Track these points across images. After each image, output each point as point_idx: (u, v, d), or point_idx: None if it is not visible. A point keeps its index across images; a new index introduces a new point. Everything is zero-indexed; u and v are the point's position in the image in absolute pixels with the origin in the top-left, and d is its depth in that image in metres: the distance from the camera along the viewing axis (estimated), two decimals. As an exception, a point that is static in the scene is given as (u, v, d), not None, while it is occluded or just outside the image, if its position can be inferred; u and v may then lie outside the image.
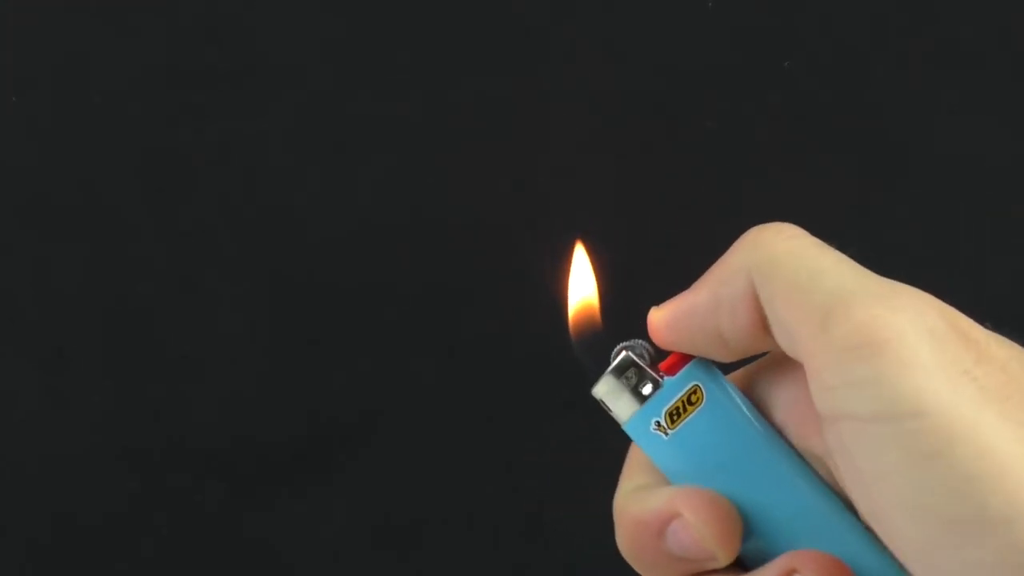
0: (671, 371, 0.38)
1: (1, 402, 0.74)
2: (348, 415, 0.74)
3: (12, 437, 0.74)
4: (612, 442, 0.42)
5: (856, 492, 0.34)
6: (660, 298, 0.39)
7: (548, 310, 0.46)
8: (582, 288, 0.41)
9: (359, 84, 0.73)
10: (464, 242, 0.73)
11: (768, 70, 0.73)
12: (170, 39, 0.73)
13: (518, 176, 0.73)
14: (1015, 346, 0.34)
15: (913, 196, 0.73)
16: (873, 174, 0.73)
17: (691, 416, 0.38)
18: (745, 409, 0.38)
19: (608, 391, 0.38)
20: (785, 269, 0.35)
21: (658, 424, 0.38)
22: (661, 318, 0.38)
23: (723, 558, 0.37)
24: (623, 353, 0.38)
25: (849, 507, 0.36)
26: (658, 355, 0.39)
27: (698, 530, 0.36)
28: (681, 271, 0.40)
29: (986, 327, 0.34)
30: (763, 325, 0.36)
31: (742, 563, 0.38)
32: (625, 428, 0.39)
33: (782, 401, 0.38)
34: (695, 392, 0.38)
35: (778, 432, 0.38)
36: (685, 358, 0.38)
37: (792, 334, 0.34)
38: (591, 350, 0.40)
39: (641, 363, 0.38)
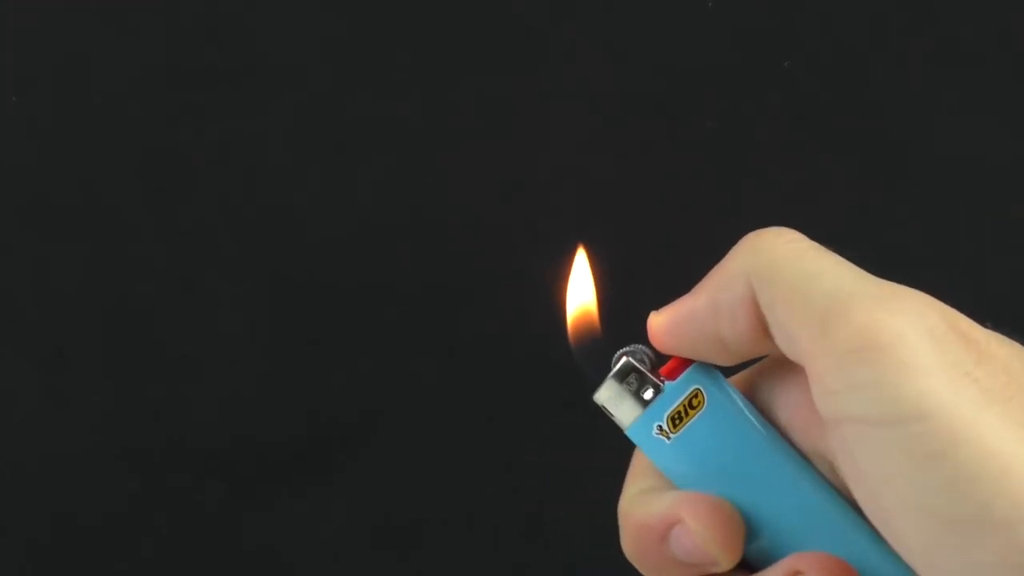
0: (672, 375, 0.38)
1: (1, 402, 0.74)
2: (348, 415, 0.74)
3: (12, 437, 0.74)
4: (612, 442, 0.42)
5: (860, 494, 0.34)
6: (660, 300, 0.39)
7: (548, 310, 0.46)
8: (581, 294, 0.41)
9: (359, 84, 0.73)
10: (464, 242, 0.73)
11: (768, 70, 0.73)
12: (170, 39, 0.73)
13: (518, 176, 0.73)
14: (1016, 345, 0.34)
15: (913, 196, 0.73)
16: (873, 174, 0.73)
17: (693, 420, 0.38)
18: (747, 411, 0.38)
19: (610, 397, 0.38)
20: (784, 273, 0.35)
21: (660, 428, 0.38)
22: (661, 323, 0.38)
23: (725, 563, 0.37)
24: (624, 359, 0.38)
25: (854, 508, 0.36)
26: (659, 360, 0.39)
27: (700, 535, 0.37)
28: (681, 272, 0.40)
29: (986, 327, 0.34)
30: (763, 329, 0.36)
31: (748, 564, 0.38)
32: (628, 433, 0.39)
33: (786, 402, 0.38)
34: (696, 396, 0.38)
35: (781, 434, 0.38)
36: (685, 362, 0.38)
37: (792, 338, 0.34)
38: (591, 356, 0.40)
39: (642, 368, 0.38)
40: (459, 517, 0.74)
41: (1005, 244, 0.73)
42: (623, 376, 0.38)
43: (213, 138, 0.73)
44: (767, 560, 0.37)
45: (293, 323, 0.74)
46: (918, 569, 0.33)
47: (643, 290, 0.44)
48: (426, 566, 0.75)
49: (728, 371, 0.39)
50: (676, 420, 0.38)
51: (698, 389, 0.38)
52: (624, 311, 0.41)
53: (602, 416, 0.39)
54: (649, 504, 0.38)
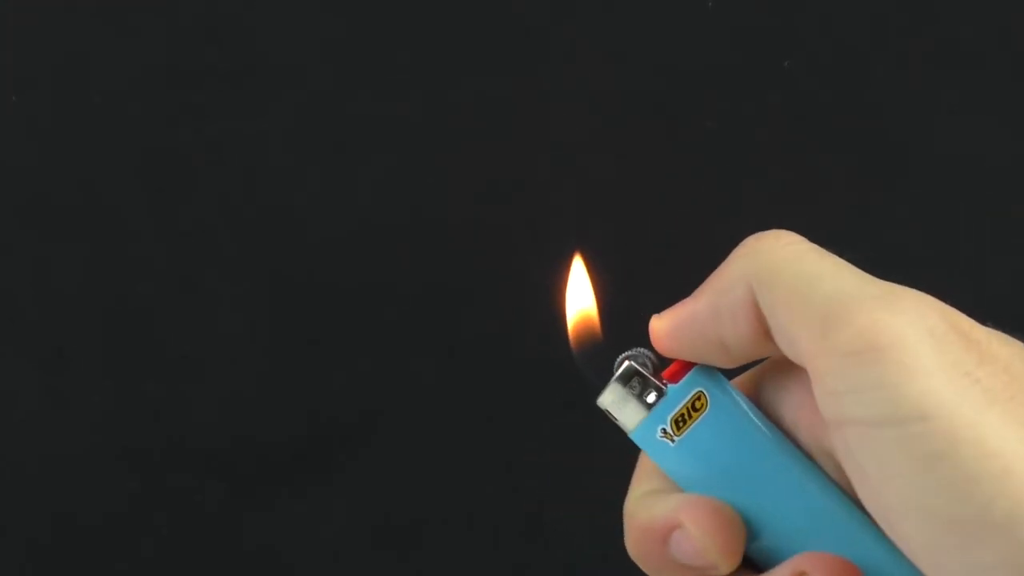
0: (674, 378, 0.38)
1: (1, 402, 0.74)
2: (348, 415, 0.74)
3: (12, 437, 0.74)
4: (612, 442, 0.42)
5: (863, 494, 0.34)
6: (661, 300, 0.39)
7: (548, 310, 0.46)
8: (581, 299, 0.41)
9: (359, 84, 0.73)
10: (464, 242, 0.73)
11: (768, 70, 0.73)
12: (170, 39, 0.73)
13: (518, 176, 0.73)
14: (1017, 344, 0.34)
15: (913, 196, 0.73)
16: (873, 174, 0.74)
17: (696, 422, 0.38)
18: (750, 413, 0.38)
19: (613, 401, 0.39)
20: (785, 276, 0.35)
21: (664, 431, 0.38)
22: (662, 327, 0.38)
23: (724, 568, 0.37)
24: (626, 363, 0.39)
25: (860, 507, 0.36)
26: (661, 363, 0.39)
27: (700, 541, 0.37)
28: (681, 272, 0.40)
29: (988, 326, 0.34)
30: (764, 332, 0.36)
31: (753, 564, 0.38)
32: (632, 437, 0.39)
33: (792, 401, 0.38)
34: (699, 398, 0.38)
35: (786, 433, 0.38)
36: (688, 365, 0.38)
37: (794, 340, 0.34)
38: (593, 361, 0.40)
39: (644, 372, 0.38)
40: (459, 517, 0.74)
41: (1005, 244, 0.73)
42: (626, 380, 0.38)
43: (213, 138, 0.73)
44: (773, 560, 0.37)
45: (293, 323, 0.74)
46: (922, 568, 0.33)
47: (643, 290, 0.44)
48: (426, 566, 0.75)
49: (730, 372, 0.39)
50: (680, 423, 0.38)
51: (701, 391, 0.38)
52: (624, 312, 0.41)
53: (605, 419, 0.39)
54: (652, 507, 0.38)
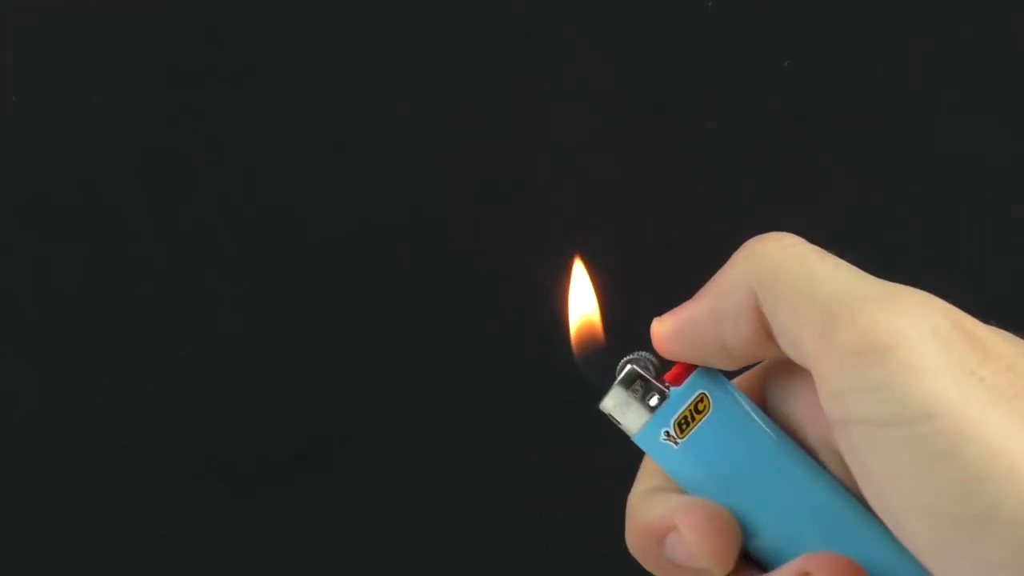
0: (676, 381, 0.38)
1: (1, 402, 0.74)
2: (348, 415, 0.74)
3: (12, 437, 0.74)
4: (612, 442, 0.42)
5: (869, 493, 0.34)
6: (661, 301, 0.39)
7: (547, 310, 0.46)
8: (582, 304, 0.41)
9: (359, 84, 0.73)
10: (464, 242, 0.73)
11: (768, 70, 0.73)
12: (170, 39, 0.73)
13: (518, 176, 0.73)
14: (1021, 342, 0.34)
15: (913, 196, 0.73)
16: (873, 174, 0.74)
17: (700, 424, 0.38)
18: (753, 413, 0.38)
19: (616, 405, 0.39)
20: (786, 277, 0.35)
21: (667, 434, 0.38)
22: (664, 330, 0.38)
23: (717, 572, 0.37)
24: (628, 366, 0.39)
25: (866, 506, 0.36)
26: (663, 366, 0.39)
27: (693, 545, 0.37)
28: (681, 272, 0.40)
29: (991, 324, 0.34)
30: (766, 333, 0.36)
31: (759, 564, 0.38)
32: (635, 440, 0.39)
33: (798, 400, 0.38)
34: (702, 400, 0.38)
35: (792, 433, 0.38)
36: (689, 367, 0.38)
37: (796, 342, 0.35)
38: (594, 365, 0.40)
39: (646, 375, 0.38)
40: (459, 517, 0.74)
41: (1005, 244, 0.73)
42: (628, 384, 0.38)
43: (213, 138, 0.73)
44: (778, 560, 0.37)
45: (293, 323, 0.74)
46: (929, 567, 0.33)
47: (643, 291, 0.44)
48: (426, 566, 0.75)
49: (731, 373, 0.39)
50: (683, 425, 0.38)
51: (703, 393, 0.38)
52: (625, 313, 0.41)
53: (605, 420, 0.39)
54: (651, 506, 0.38)
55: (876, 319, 0.33)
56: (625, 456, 0.41)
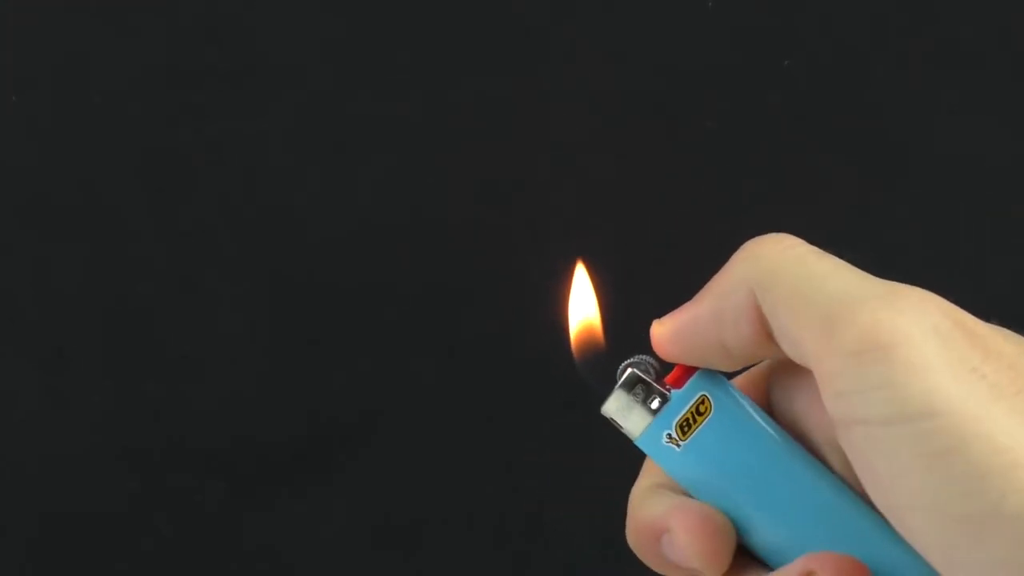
0: (677, 384, 0.38)
1: (1, 402, 0.74)
2: (348, 415, 0.74)
3: (12, 437, 0.74)
4: (612, 442, 0.42)
5: (873, 492, 0.34)
6: (661, 301, 0.39)
7: (547, 310, 0.46)
8: (583, 308, 0.41)
9: (359, 84, 0.73)
10: (464, 242, 0.73)
11: (768, 70, 0.73)
12: (170, 39, 0.73)
13: (518, 176, 0.73)
14: (1021, 339, 0.34)
15: (913, 196, 0.73)
16: (873, 174, 0.74)
17: (702, 426, 0.38)
18: (754, 414, 0.38)
19: (617, 408, 0.39)
20: (786, 278, 0.35)
21: (670, 437, 0.38)
22: (664, 332, 0.38)
23: (711, 574, 0.37)
24: (629, 370, 0.39)
25: (870, 504, 0.36)
26: (663, 369, 0.39)
27: (686, 548, 0.37)
28: (681, 272, 0.40)
29: (992, 323, 0.34)
30: (766, 334, 0.36)
31: (764, 563, 0.38)
32: (637, 443, 0.39)
33: (802, 398, 0.38)
34: (703, 402, 0.38)
35: (796, 431, 0.38)
36: (690, 370, 0.38)
37: (797, 342, 0.35)
38: (595, 370, 0.40)
39: (647, 378, 0.38)
40: (459, 517, 0.74)
41: (1005, 244, 0.73)
42: (629, 387, 0.39)
43: (213, 138, 0.73)
44: (782, 559, 0.37)
45: (293, 323, 0.74)
46: (935, 565, 0.33)
47: (643, 290, 0.44)
48: (426, 566, 0.75)
49: (731, 373, 0.39)
50: (685, 427, 0.38)
51: (704, 395, 0.38)
52: (625, 314, 0.41)
53: (606, 422, 0.39)
54: (649, 505, 0.38)
55: (877, 318, 0.33)
56: (625, 456, 0.41)
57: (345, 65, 0.73)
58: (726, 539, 0.37)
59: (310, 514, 0.74)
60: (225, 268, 0.73)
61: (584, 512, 0.72)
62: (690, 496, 0.38)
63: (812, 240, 0.37)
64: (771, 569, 0.37)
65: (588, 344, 0.40)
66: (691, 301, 0.38)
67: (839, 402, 0.34)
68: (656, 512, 0.38)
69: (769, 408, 0.39)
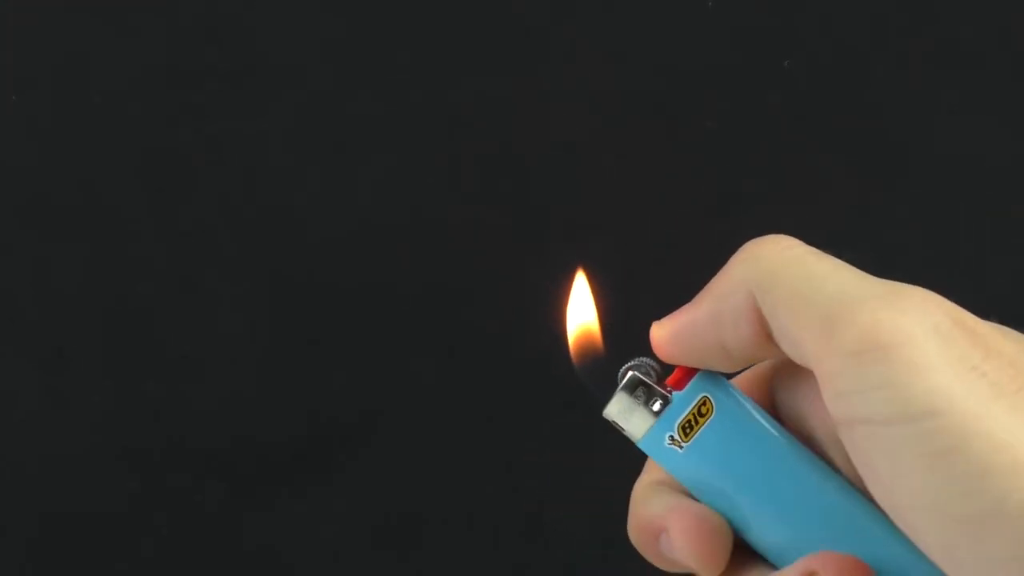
0: (678, 385, 0.39)
1: (1, 402, 0.74)
2: (348, 415, 0.74)
3: (12, 437, 0.74)
4: (612, 442, 0.42)
5: (876, 491, 0.34)
6: (661, 301, 0.39)
7: (548, 310, 0.46)
8: (582, 313, 0.41)
9: (359, 84, 0.73)
10: (464, 242, 0.73)
11: (768, 70, 0.73)
12: (170, 39, 0.73)
13: (518, 176, 0.73)
14: (1022, 338, 0.34)
15: (913, 196, 0.73)
16: (873, 174, 0.74)
17: (703, 427, 0.38)
18: (756, 414, 0.38)
19: (619, 411, 0.39)
20: (785, 279, 0.35)
21: (672, 439, 0.38)
22: (663, 334, 0.38)
23: (707, 574, 0.37)
24: (630, 373, 0.39)
25: (873, 504, 0.36)
26: (664, 371, 0.39)
27: (682, 549, 0.37)
28: (681, 272, 0.40)
29: (993, 321, 0.34)
30: (766, 336, 0.36)
31: (768, 562, 0.38)
32: (640, 445, 0.39)
33: (806, 396, 0.38)
34: (705, 403, 0.38)
35: (800, 429, 0.38)
36: (691, 371, 0.39)
37: (798, 343, 0.35)
38: (594, 373, 0.40)
39: (649, 381, 0.39)
40: (459, 517, 0.74)
41: (1005, 244, 0.73)
42: (631, 390, 0.39)
43: (213, 138, 0.73)
44: (785, 559, 0.37)
45: (293, 323, 0.74)
46: (938, 563, 0.33)
47: (643, 290, 0.44)
48: (426, 566, 0.75)
49: (732, 374, 0.39)
50: (687, 429, 0.38)
51: (706, 397, 0.38)
52: (625, 315, 0.41)
53: (606, 422, 0.39)
54: (649, 503, 0.39)
55: (877, 317, 0.33)
56: (625, 456, 0.41)
57: (345, 65, 0.73)
58: (722, 541, 0.37)
59: (310, 514, 0.74)
60: (225, 268, 0.73)
61: (584, 512, 0.72)
62: (691, 495, 0.39)
63: (812, 240, 0.37)
64: (774, 568, 0.38)
65: (587, 349, 0.41)
66: (690, 303, 0.38)
67: (840, 402, 0.34)
68: (655, 511, 0.38)
69: (773, 407, 0.39)
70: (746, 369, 0.40)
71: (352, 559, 0.75)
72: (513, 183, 0.73)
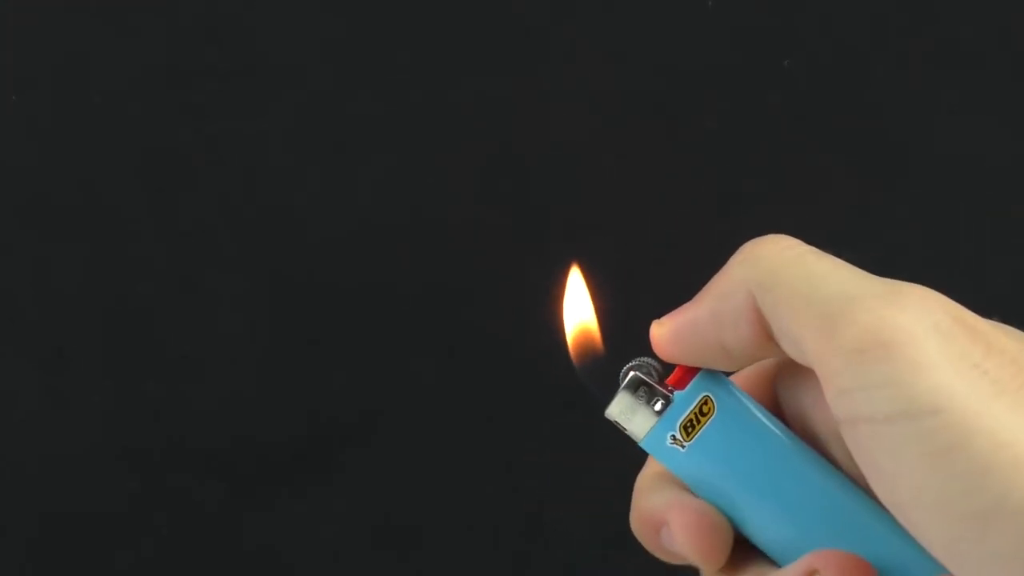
0: (679, 385, 0.39)
1: (1, 402, 0.74)
2: (348, 415, 0.74)
3: (12, 437, 0.74)
4: (612, 442, 0.42)
5: (878, 489, 0.34)
6: (661, 301, 0.39)
7: (547, 310, 0.46)
8: (580, 312, 0.41)
9: (359, 84, 0.73)
10: (464, 242, 0.73)
11: (768, 70, 0.73)
12: (170, 39, 0.73)
13: (518, 176, 0.73)
14: (1023, 335, 0.34)
15: (913, 196, 0.73)
16: (873, 174, 0.74)
17: (705, 427, 0.38)
18: (757, 413, 0.38)
19: (621, 411, 0.39)
20: (785, 279, 0.35)
21: (674, 438, 0.38)
22: (663, 333, 0.38)
23: (707, 570, 0.38)
24: (631, 373, 0.39)
25: (875, 501, 0.36)
26: (665, 370, 0.39)
27: (682, 544, 0.37)
28: (681, 272, 0.40)
29: (994, 320, 0.34)
30: (767, 335, 0.36)
31: (771, 559, 0.38)
32: (642, 445, 0.39)
33: (808, 396, 0.38)
34: (706, 403, 0.38)
35: (803, 429, 0.38)
36: (692, 370, 0.39)
37: (799, 342, 0.35)
38: (595, 373, 0.40)
39: (650, 380, 0.39)
40: (459, 517, 0.74)
41: (1005, 244, 0.74)
42: (633, 389, 0.39)
43: (213, 138, 0.73)
44: (787, 557, 0.37)
45: (293, 323, 0.74)
46: (941, 560, 0.33)
47: (643, 290, 0.44)
48: (426, 566, 0.75)
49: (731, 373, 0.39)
50: (688, 428, 0.38)
51: (707, 396, 0.38)
52: (625, 314, 0.41)
53: (606, 422, 0.39)
54: (651, 496, 0.39)
55: (878, 316, 0.33)
56: (625, 456, 0.41)
57: (345, 65, 0.73)
58: (721, 536, 0.38)
59: (310, 514, 0.74)
60: (225, 268, 0.73)
61: (584, 512, 0.72)
62: (684, 492, 0.39)
63: (812, 240, 0.37)
64: (777, 565, 0.38)
65: (586, 349, 0.41)
66: (690, 302, 0.38)
67: (842, 400, 0.34)
68: (656, 505, 0.38)
69: (776, 405, 0.39)
70: (747, 367, 0.40)
71: (352, 559, 0.75)
72: (513, 183, 0.73)
